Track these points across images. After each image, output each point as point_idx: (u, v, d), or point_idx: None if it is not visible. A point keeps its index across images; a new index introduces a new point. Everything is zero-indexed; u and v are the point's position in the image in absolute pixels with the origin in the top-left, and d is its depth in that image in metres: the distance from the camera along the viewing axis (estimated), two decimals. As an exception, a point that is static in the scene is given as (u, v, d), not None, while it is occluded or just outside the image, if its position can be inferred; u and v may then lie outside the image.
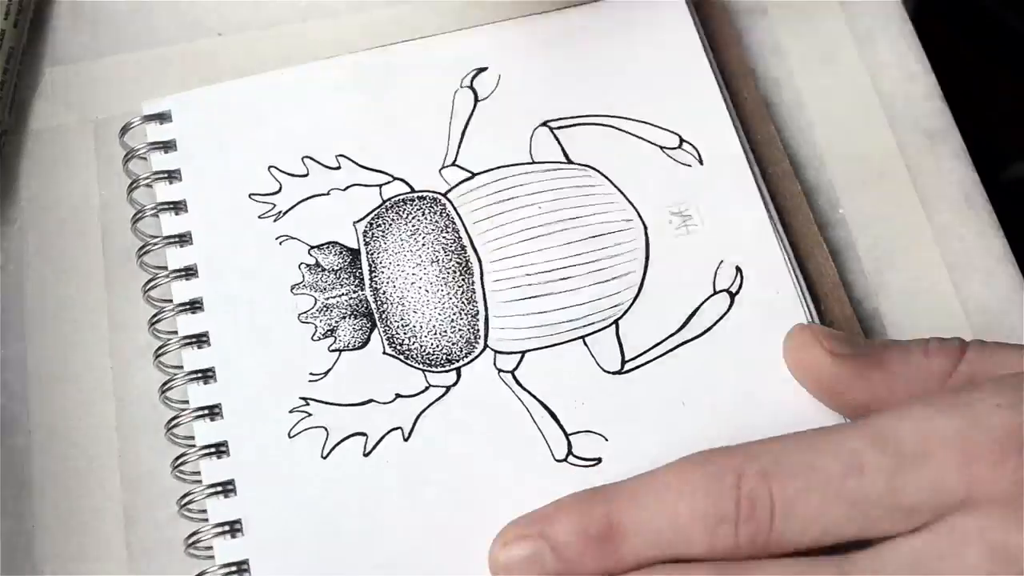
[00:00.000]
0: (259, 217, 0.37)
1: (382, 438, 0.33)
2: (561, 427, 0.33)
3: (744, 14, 0.41)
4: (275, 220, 0.36)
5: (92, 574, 0.33)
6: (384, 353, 0.34)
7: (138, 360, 0.36)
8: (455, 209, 0.37)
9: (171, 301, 0.35)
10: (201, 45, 0.40)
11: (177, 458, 0.33)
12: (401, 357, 0.34)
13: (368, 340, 0.35)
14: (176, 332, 0.35)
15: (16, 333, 0.36)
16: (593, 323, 0.35)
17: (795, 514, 0.28)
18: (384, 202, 0.37)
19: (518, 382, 0.34)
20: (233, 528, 0.32)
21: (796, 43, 0.41)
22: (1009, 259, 0.38)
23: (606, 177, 0.37)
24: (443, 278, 0.35)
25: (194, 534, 0.32)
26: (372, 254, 0.36)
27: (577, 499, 0.30)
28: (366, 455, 0.33)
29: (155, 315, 0.35)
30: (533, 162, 0.37)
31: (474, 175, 0.37)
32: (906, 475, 0.28)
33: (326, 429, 0.33)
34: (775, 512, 0.28)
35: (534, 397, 0.34)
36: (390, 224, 0.36)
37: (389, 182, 0.37)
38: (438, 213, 0.36)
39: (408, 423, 0.33)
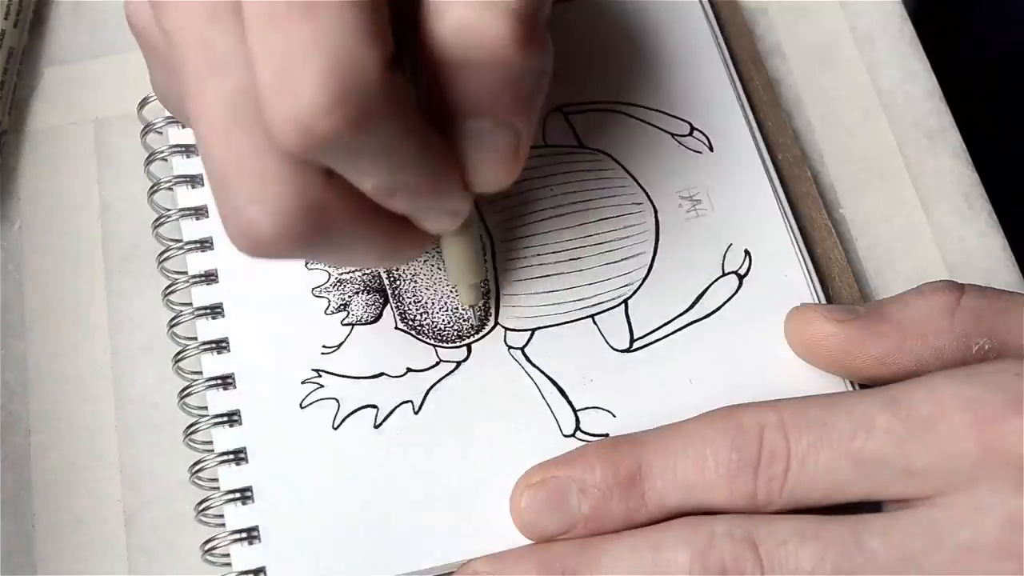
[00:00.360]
0: None
1: (393, 411, 0.33)
2: (570, 403, 0.34)
3: (744, 14, 0.41)
4: None
5: (92, 574, 0.33)
6: (396, 328, 0.35)
7: (138, 360, 0.36)
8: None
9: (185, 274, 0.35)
10: (201, 45, 0.40)
11: (188, 427, 0.33)
12: (412, 332, 0.35)
13: (380, 315, 0.35)
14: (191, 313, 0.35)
15: (16, 333, 0.36)
16: (602, 302, 0.35)
17: (806, 467, 0.29)
18: None
19: (528, 359, 0.34)
20: (246, 494, 0.32)
21: (796, 43, 0.41)
22: (1009, 259, 0.38)
23: (617, 162, 0.37)
24: None
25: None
26: None
27: (606, 443, 0.31)
28: (376, 427, 0.33)
29: (168, 286, 0.35)
30: (546, 145, 0.37)
31: None
32: (916, 439, 0.28)
33: (337, 400, 0.34)
34: (789, 464, 0.29)
35: (543, 373, 0.34)
36: None
37: None
38: None
39: (418, 397, 0.34)
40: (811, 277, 0.35)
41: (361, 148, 0.24)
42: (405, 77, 0.25)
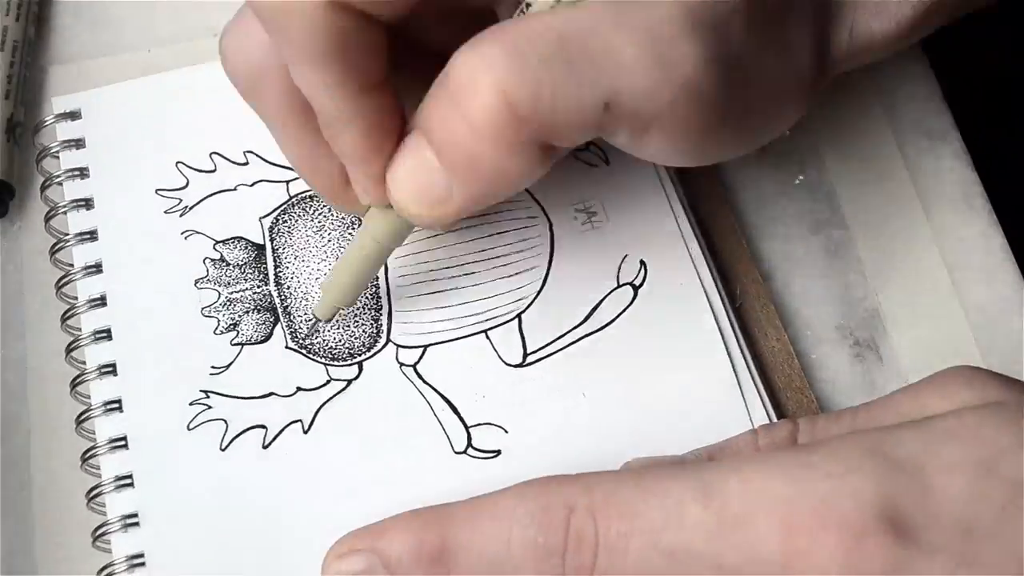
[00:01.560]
0: (165, 212, 0.37)
1: (281, 431, 0.33)
2: (462, 420, 0.34)
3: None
4: (181, 215, 0.37)
5: (92, 574, 0.33)
6: (287, 347, 0.35)
7: (138, 360, 0.36)
8: None
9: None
10: (201, 45, 0.40)
11: (85, 452, 0.33)
12: (303, 351, 0.35)
13: (271, 334, 0.35)
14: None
15: (16, 333, 0.36)
16: (496, 317, 0.35)
17: (614, 557, 0.28)
18: (291, 198, 0.37)
19: (420, 376, 0.34)
20: (131, 521, 0.32)
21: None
22: (1009, 259, 0.38)
23: None
24: None
25: (101, 526, 0.32)
26: (277, 249, 0.36)
27: (413, 516, 0.30)
28: (265, 447, 0.33)
29: (67, 311, 0.35)
30: None
31: None
32: (726, 536, 0.27)
33: (225, 421, 0.33)
34: (598, 552, 0.28)
35: (435, 390, 0.34)
36: (296, 220, 0.36)
37: (296, 178, 0.37)
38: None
39: (308, 416, 0.34)
40: (714, 279, 0.36)
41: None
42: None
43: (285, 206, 0.37)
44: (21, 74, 0.39)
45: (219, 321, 0.35)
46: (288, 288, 0.35)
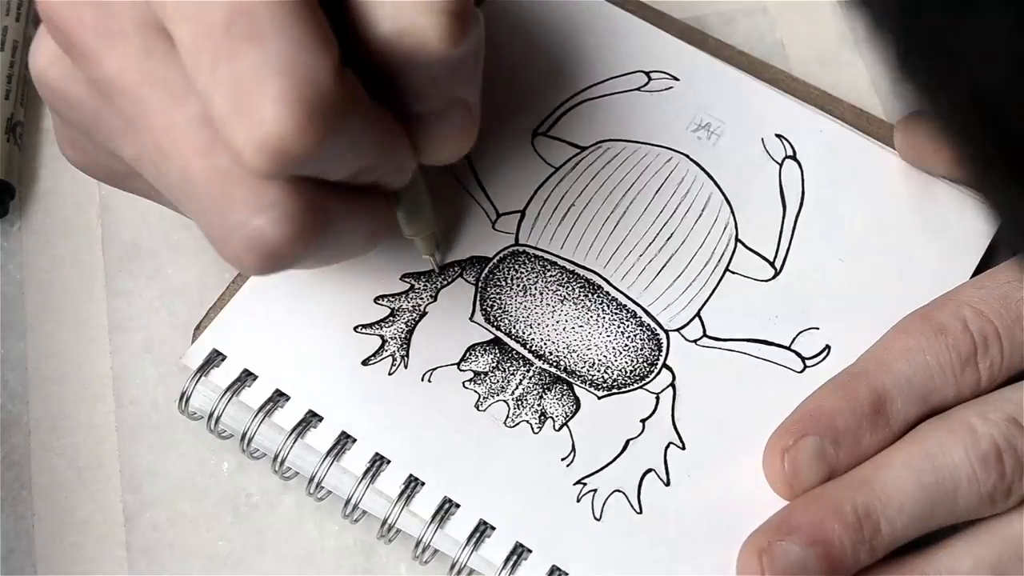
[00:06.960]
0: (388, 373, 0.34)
1: (641, 479, 0.32)
2: (783, 346, 0.34)
3: (744, 14, 0.41)
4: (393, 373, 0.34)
5: (92, 574, 0.33)
6: (599, 399, 0.33)
7: (138, 360, 0.36)
8: (537, 249, 0.35)
9: None
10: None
11: None
12: (613, 392, 0.34)
13: (578, 399, 0.33)
14: None
15: (16, 333, 0.36)
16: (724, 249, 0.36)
17: (1015, 339, 0.31)
18: (478, 283, 0.35)
19: (714, 338, 0.34)
20: None
21: (796, 43, 0.41)
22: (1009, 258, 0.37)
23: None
24: (584, 306, 0.34)
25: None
26: (509, 331, 0.34)
27: (834, 387, 0.32)
28: (639, 514, 0.32)
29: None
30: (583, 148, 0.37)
31: (523, 210, 0.36)
32: None
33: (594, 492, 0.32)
34: (1002, 341, 0.31)
35: (738, 340, 0.34)
36: (502, 295, 0.35)
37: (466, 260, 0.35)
38: (530, 260, 0.35)
39: (667, 436, 0.33)
40: None
41: (330, 152, 0.24)
42: (350, 71, 0.25)
43: (480, 292, 0.35)
44: (21, 74, 0.39)
45: (529, 423, 0.33)
46: (551, 354, 0.34)
